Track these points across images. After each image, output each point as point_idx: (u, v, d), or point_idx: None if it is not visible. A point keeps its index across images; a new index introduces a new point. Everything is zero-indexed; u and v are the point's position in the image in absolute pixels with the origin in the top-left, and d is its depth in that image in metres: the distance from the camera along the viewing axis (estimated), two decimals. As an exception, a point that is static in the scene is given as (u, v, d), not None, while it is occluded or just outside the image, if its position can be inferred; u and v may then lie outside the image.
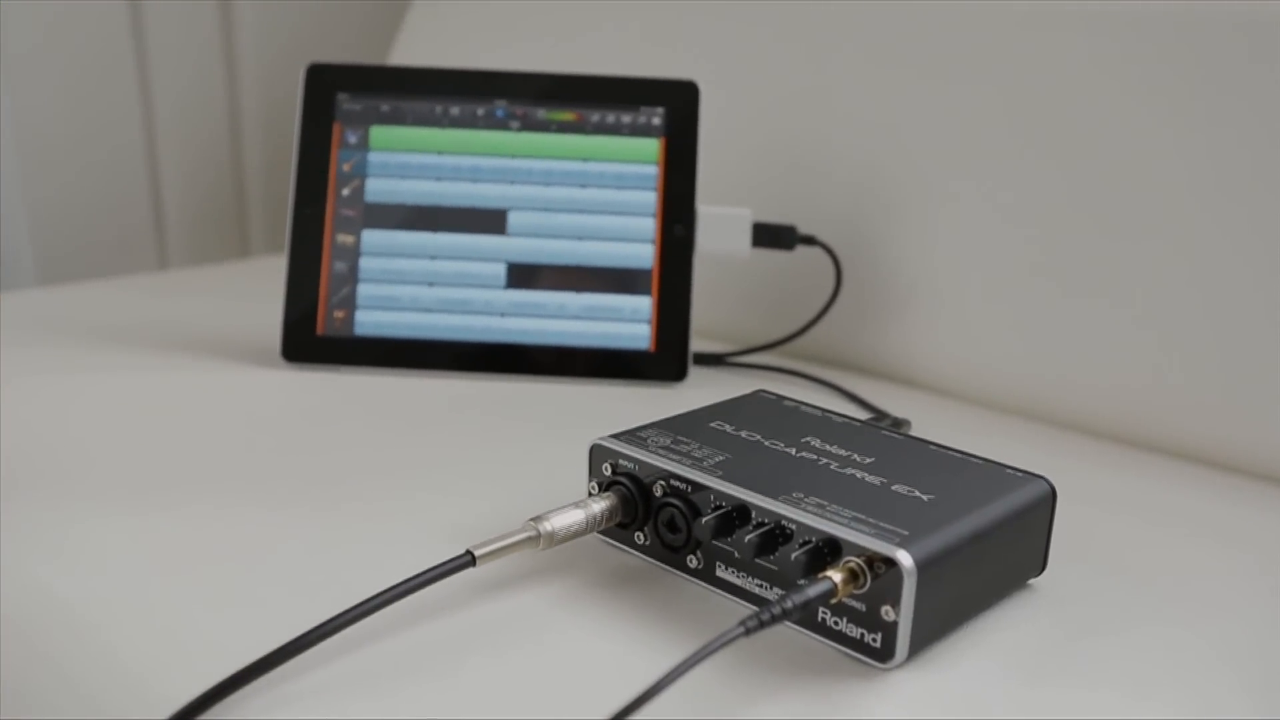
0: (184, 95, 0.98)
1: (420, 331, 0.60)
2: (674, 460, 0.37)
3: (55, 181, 0.91)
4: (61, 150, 0.91)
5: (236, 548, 0.39)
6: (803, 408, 0.44)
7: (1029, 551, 0.37)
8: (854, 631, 0.33)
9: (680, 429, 0.40)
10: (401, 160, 0.61)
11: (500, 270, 0.60)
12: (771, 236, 0.62)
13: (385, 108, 0.61)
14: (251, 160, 1.03)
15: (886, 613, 0.32)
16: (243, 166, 1.03)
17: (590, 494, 0.39)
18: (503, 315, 0.60)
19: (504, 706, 0.30)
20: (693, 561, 0.37)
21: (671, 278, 0.60)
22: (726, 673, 0.32)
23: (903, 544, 0.32)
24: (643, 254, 0.60)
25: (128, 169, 0.95)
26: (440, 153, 0.61)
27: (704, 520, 0.35)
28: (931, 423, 0.56)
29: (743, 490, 0.35)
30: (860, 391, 0.62)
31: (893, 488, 0.36)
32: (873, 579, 0.32)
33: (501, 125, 0.61)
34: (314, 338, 0.60)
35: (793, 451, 0.39)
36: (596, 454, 0.39)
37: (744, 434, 0.40)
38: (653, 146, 0.61)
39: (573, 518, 0.37)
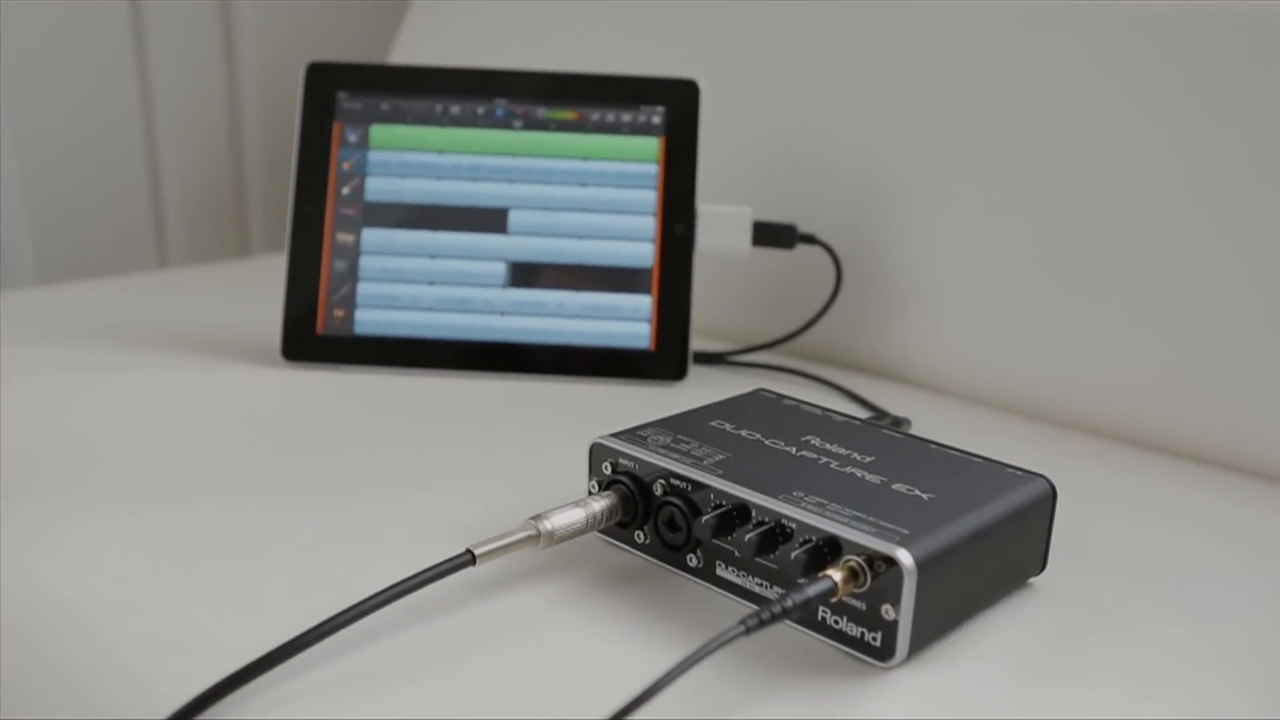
0: (184, 94, 0.98)
1: (420, 330, 0.60)
2: (674, 459, 0.37)
3: (55, 180, 0.91)
4: (62, 149, 0.91)
5: (236, 547, 0.39)
6: (803, 406, 0.44)
7: (1029, 550, 0.37)
8: (854, 630, 0.33)
9: (680, 428, 0.40)
10: (401, 159, 0.61)
11: (500, 269, 0.60)
12: (772, 235, 0.62)
13: (385, 106, 0.61)
14: (251, 159, 1.03)
15: (886, 611, 0.32)
16: (243, 165, 1.03)
17: (590, 493, 0.39)
18: (503, 314, 0.60)
19: (504, 705, 0.30)
20: (693, 560, 0.37)
21: (672, 276, 0.60)
22: (726, 672, 0.32)
23: (903, 543, 0.32)
24: (643, 253, 0.60)
25: (128, 168, 0.95)
26: (440, 151, 0.61)
27: (704, 519, 0.35)
28: (931, 422, 0.56)
29: (743, 489, 0.35)
30: (860, 390, 0.62)
31: (893, 487, 0.36)
32: (873, 578, 0.32)
33: (502, 124, 0.61)
34: (314, 337, 0.60)
35: (793, 450, 0.39)
36: (596, 453, 0.39)
37: (744, 433, 0.40)
38: (653, 145, 0.61)
39: (573, 517, 0.37)
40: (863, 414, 0.56)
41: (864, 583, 0.32)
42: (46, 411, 0.51)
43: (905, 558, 0.31)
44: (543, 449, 0.49)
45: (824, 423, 0.42)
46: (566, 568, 0.38)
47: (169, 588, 0.36)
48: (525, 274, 0.60)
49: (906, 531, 0.32)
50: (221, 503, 0.42)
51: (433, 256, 0.60)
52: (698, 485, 0.36)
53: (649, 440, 0.39)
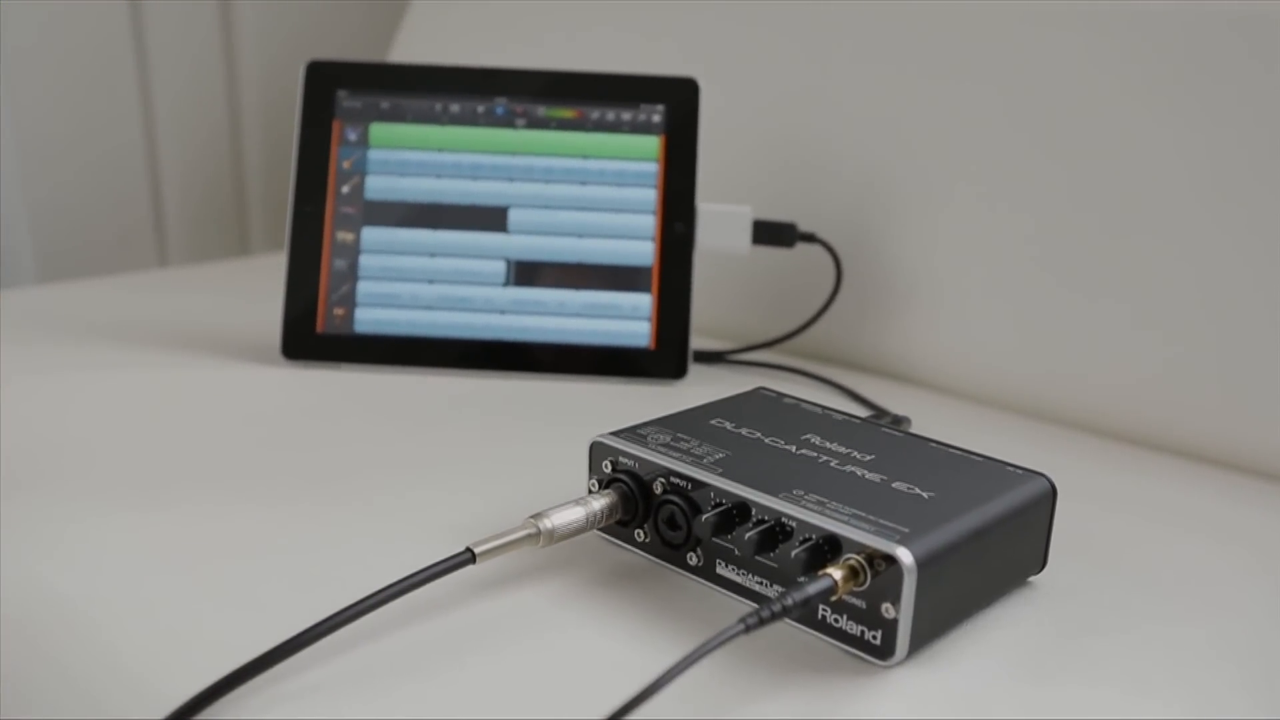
0: (184, 93, 0.98)
1: (420, 329, 0.60)
2: (674, 458, 0.37)
3: (55, 179, 0.91)
4: (62, 148, 0.91)
5: (236, 545, 0.39)
6: (803, 405, 0.44)
7: (1029, 549, 0.37)
8: (854, 629, 0.33)
9: (680, 426, 0.40)
10: (401, 157, 0.61)
11: (500, 267, 0.60)
12: (772, 234, 0.62)
13: (385, 105, 0.61)
14: (251, 158, 1.03)
15: (886, 610, 0.32)
16: (243, 164, 1.03)
17: (590, 491, 0.39)
18: (503, 313, 0.60)
19: (504, 704, 0.30)
20: (693, 559, 0.37)
21: (671, 275, 0.60)
22: (726, 670, 0.32)
23: (903, 541, 0.32)
24: (643, 251, 0.60)
25: (128, 167, 0.95)
26: (440, 150, 0.61)
27: (704, 517, 0.35)
28: (931, 420, 0.56)
29: (743, 487, 0.35)
30: (860, 389, 0.62)
31: (893, 485, 0.36)
32: (873, 576, 0.32)
33: (502, 122, 0.61)
34: (314, 335, 0.60)
35: (793, 449, 0.39)
36: (596, 451, 0.39)
37: (744, 431, 0.40)
38: (653, 144, 0.61)
39: (573, 515, 0.37)
40: (863, 412, 0.56)
41: (864, 581, 0.32)
42: (46, 410, 0.51)
43: (905, 556, 0.31)
44: (542, 447, 0.49)
45: (824, 421, 0.42)
46: (566, 566, 0.38)
47: (169, 586, 0.36)
48: (525, 272, 0.60)
49: (906, 530, 0.32)
50: (221, 501, 0.42)
51: (433, 255, 0.60)
52: (698, 484, 0.36)
53: (649, 439, 0.39)
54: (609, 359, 0.60)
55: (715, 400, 0.44)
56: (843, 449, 0.39)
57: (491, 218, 0.61)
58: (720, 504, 0.35)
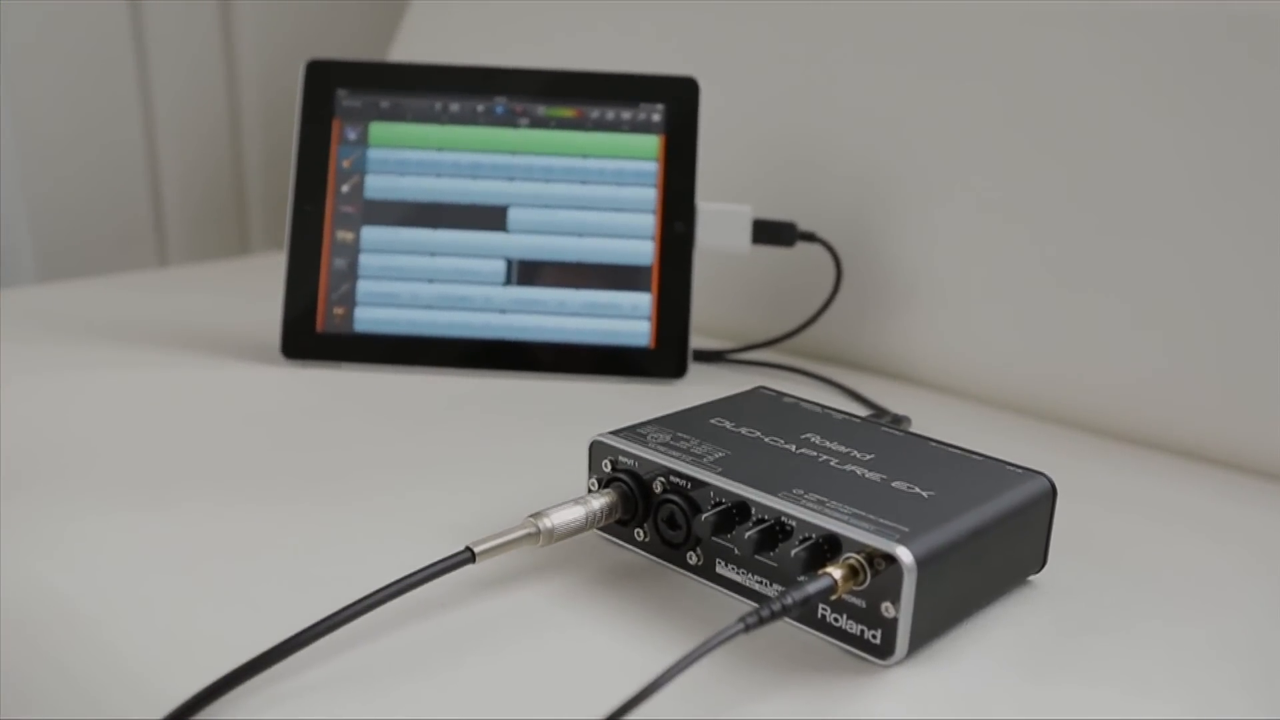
0: (184, 92, 0.98)
1: (420, 328, 0.60)
2: (674, 457, 0.37)
3: (55, 178, 0.91)
4: (61, 147, 0.91)
5: (235, 544, 0.39)
6: (802, 404, 0.44)
7: (1029, 548, 0.37)
8: (854, 628, 0.33)
9: (680, 426, 0.40)
10: (401, 157, 0.61)
11: (500, 267, 0.60)
12: (771, 233, 0.62)
13: (385, 104, 0.61)
14: (251, 157, 1.03)
15: (886, 609, 0.32)
16: (242, 163, 1.03)
17: (590, 490, 0.39)
18: (502, 312, 0.60)
19: (503, 704, 0.30)
20: (692, 558, 0.37)
21: (671, 274, 0.60)
22: (726, 669, 0.32)
23: (903, 540, 0.32)
24: (643, 250, 0.60)
25: (128, 166, 0.95)
26: (440, 149, 0.61)
27: (704, 517, 0.35)
28: (931, 419, 0.56)
29: (742, 487, 0.35)
30: (860, 388, 0.62)
31: (892, 484, 0.36)
32: (872, 575, 0.32)
33: (501, 121, 0.61)
34: (314, 334, 0.60)
35: (792, 448, 0.39)
36: (596, 450, 0.39)
37: (744, 430, 0.40)
38: (653, 143, 0.61)
39: (572, 514, 0.37)
40: (862, 412, 0.56)
41: (864, 580, 0.32)
42: (46, 409, 0.51)
43: (905, 555, 0.31)
44: (542, 447, 0.49)
45: (824, 420, 0.42)
46: (566, 565, 0.38)
47: (168, 585, 0.36)
48: (525, 272, 0.60)
49: (906, 529, 0.32)
50: (221, 500, 0.42)
51: (432, 254, 0.60)
52: (697, 483, 0.36)
53: (649, 438, 0.39)
54: (609, 358, 0.60)
55: (715, 399, 0.44)
56: (842, 448, 0.39)
57: (491, 217, 0.61)
58: (720, 503, 0.35)
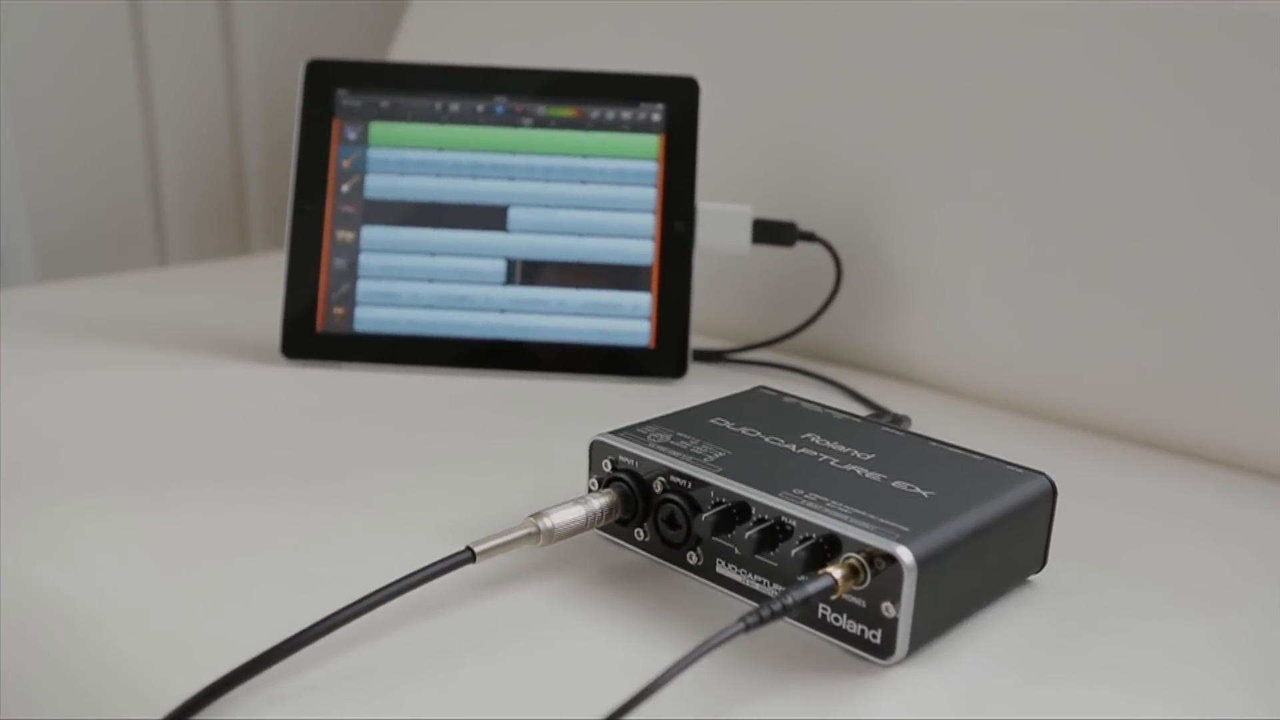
0: (184, 92, 0.98)
1: (420, 328, 0.60)
2: (674, 457, 0.37)
3: (55, 178, 0.91)
4: (62, 147, 0.91)
5: (236, 544, 0.39)
6: (803, 404, 0.44)
7: (1029, 548, 0.37)
8: (854, 628, 0.33)
9: (680, 425, 0.40)
10: (401, 156, 0.61)
11: (500, 266, 0.60)
12: (771, 233, 0.62)
13: (385, 104, 0.61)
14: (251, 157, 1.03)
15: (887, 609, 0.32)
16: (242, 163, 1.03)
17: (590, 490, 0.39)
18: (502, 312, 0.60)
19: (503, 703, 0.30)
20: (693, 558, 0.37)
21: (671, 274, 0.60)
22: (726, 669, 0.32)
23: (903, 540, 0.32)
24: (643, 250, 0.60)
25: (128, 166, 0.95)
26: (440, 149, 0.61)
27: (704, 516, 0.35)
28: (931, 419, 0.56)
29: (743, 486, 0.35)
30: (860, 388, 0.62)
31: (893, 484, 0.36)
32: (873, 575, 0.32)
33: (501, 121, 0.61)
34: (314, 334, 0.60)
35: (793, 448, 0.39)
36: (596, 450, 0.39)
37: (744, 430, 0.40)
38: (653, 143, 0.61)
39: (573, 514, 0.37)
40: (863, 411, 0.56)
41: (864, 580, 0.32)
42: (46, 409, 0.51)
43: (905, 555, 0.31)
44: (542, 446, 0.49)
45: (824, 420, 0.42)
46: (566, 565, 0.38)
47: (168, 585, 0.36)
48: (525, 271, 0.60)
49: (906, 529, 0.32)
50: (221, 500, 0.42)
51: (432, 254, 0.60)
52: (698, 483, 0.36)
53: (649, 438, 0.39)
54: (609, 358, 0.60)
55: (715, 399, 0.44)
56: (843, 448, 0.39)
57: (491, 217, 0.61)
58: (720, 503, 0.35)
